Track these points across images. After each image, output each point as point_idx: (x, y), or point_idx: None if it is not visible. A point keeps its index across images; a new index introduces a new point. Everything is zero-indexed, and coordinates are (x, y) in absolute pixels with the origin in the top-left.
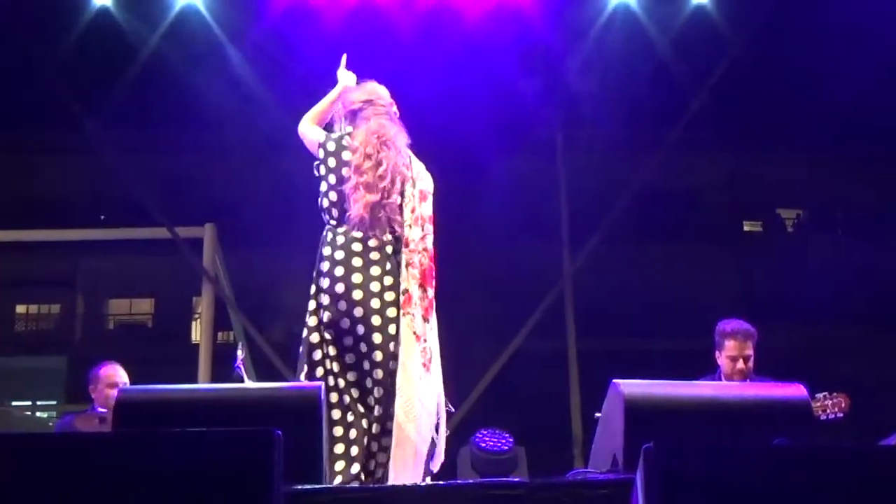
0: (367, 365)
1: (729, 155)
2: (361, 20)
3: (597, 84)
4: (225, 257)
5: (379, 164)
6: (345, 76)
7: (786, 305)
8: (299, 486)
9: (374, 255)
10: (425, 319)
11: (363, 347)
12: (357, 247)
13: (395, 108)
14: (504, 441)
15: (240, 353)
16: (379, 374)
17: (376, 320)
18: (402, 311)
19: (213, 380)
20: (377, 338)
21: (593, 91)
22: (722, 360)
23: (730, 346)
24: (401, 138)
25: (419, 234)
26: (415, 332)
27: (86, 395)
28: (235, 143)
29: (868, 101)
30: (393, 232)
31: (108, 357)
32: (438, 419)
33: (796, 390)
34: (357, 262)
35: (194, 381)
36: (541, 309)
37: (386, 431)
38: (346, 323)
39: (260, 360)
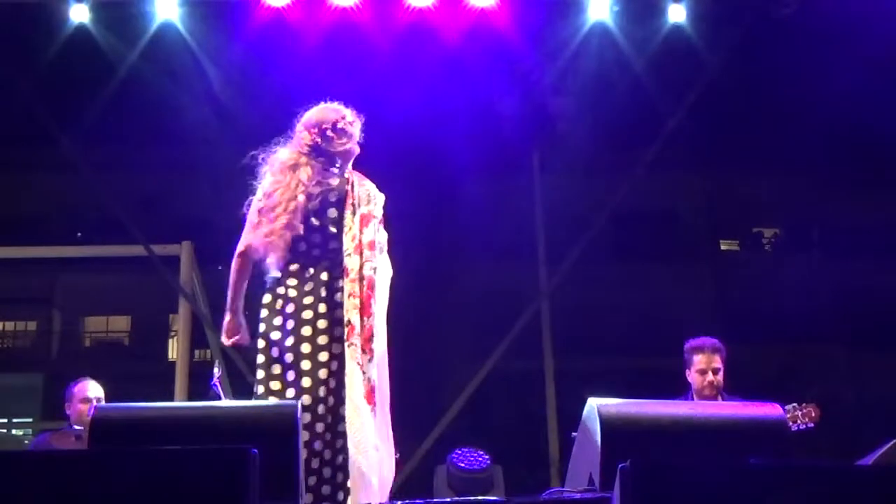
0: (307, 400)
1: (706, 174)
2: (338, 38)
3: (573, 103)
4: (202, 275)
5: (293, 197)
6: None
7: (763, 324)
8: None
9: (308, 286)
10: (363, 350)
11: (306, 382)
12: (292, 281)
13: (310, 139)
14: (481, 460)
15: (216, 371)
16: (331, 401)
17: (323, 356)
18: (346, 343)
19: (190, 398)
20: (323, 373)
21: (570, 110)
22: (692, 376)
23: (698, 360)
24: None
25: (358, 262)
26: (358, 363)
27: (62, 413)
28: (213, 161)
29: (845, 120)
30: (331, 260)
31: (84, 374)
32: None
33: (772, 409)
34: (292, 293)
35: (171, 398)
36: (517, 328)
37: (342, 451)
38: (289, 357)
39: (236, 378)
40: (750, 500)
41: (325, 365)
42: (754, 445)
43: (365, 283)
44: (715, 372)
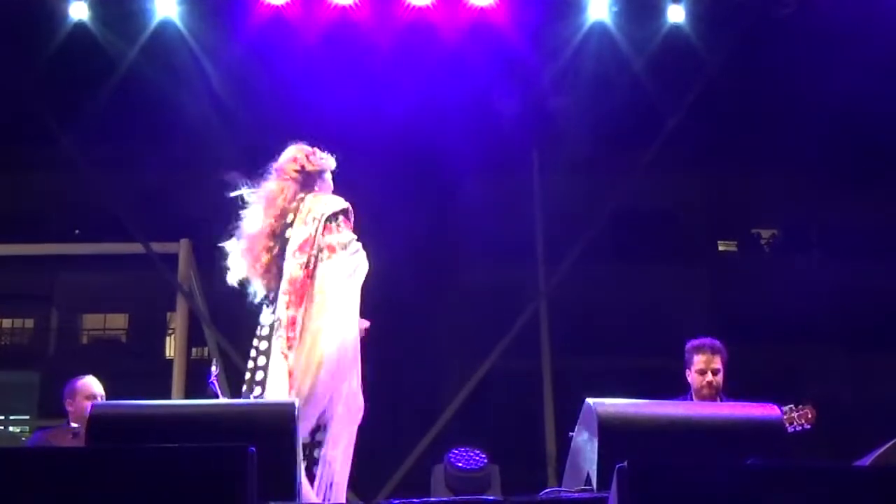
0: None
1: (704, 174)
2: (338, 36)
3: (572, 103)
4: (200, 273)
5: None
6: None
7: (760, 325)
8: (273, 503)
9: (272, 308)
10: (287, 338)
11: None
12: (269, 308)
13: (300, 165)
14: (478, 459)
15: (214, 369)
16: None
17: (261, 360)
18: (275, 336)
19: (187, 396)
20: (247, 374)
21: (569, 110)
22: (692, 376)
23: (698, 360)
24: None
25: (293, 263)
26: (282, 352)
27: (59, 410)
28: (212, 159)
29: (844, 121)
30: (279, 272)
31: (81, 372)
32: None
33: (770, 410)
34: (266, 319)
35: (168, 396)
36: (516, 327)
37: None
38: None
39: (234, 377)
40: (747, 501)
41: (253, 366)
42: (751, 446)
43: (296, 281)
44: (714, 373)
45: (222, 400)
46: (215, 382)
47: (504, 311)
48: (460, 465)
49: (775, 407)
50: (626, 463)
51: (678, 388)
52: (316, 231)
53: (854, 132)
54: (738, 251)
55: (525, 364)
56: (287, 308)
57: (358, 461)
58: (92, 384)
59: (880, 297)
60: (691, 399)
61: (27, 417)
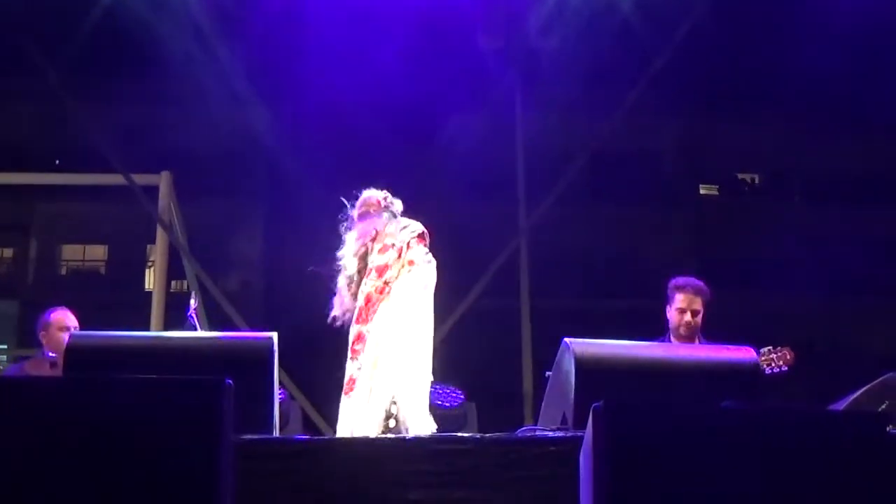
0: None
1: (687, 117)
2: None
3: (557, 43)
4: (180, 206)
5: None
6: None
7: (741, 269)
8: (249, 436)
9: None
10: (351, 351)
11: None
12: None
13: (384, 204)
14: (455, 397)
15: (193, 302)
16: None
17: None
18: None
19: (166, 328)
20: None
21: (553, 50)
22: (671, 313)
23: (679, 298)
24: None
25: (370, 284)
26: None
27: (37, 340)
28: (194, 93)
29: (829, 69)
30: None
31: (60, 303)
32: None
33: (746, 353)
34: None
35: (147, 329)
36: (495, 266)
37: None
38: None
39: (213, 310)
40: (721, 442)
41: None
42: (727, 388)
43: (363, 297)
44: (694, 314)
45: (201, 333)
46: (194, 315)
47: (484, 250)
48: (438, 402)
49: (752, 350)
50: (601, 403)
51: (656, 330)
52: (399, 255)
53: (840, 81)
54: (720, 195)
55: (504, 303)
56: (356, 322)
57: (336, 398)
58: (66, 317)
59: (859, 243)
60: (669, 340)
61: (5, 347)
